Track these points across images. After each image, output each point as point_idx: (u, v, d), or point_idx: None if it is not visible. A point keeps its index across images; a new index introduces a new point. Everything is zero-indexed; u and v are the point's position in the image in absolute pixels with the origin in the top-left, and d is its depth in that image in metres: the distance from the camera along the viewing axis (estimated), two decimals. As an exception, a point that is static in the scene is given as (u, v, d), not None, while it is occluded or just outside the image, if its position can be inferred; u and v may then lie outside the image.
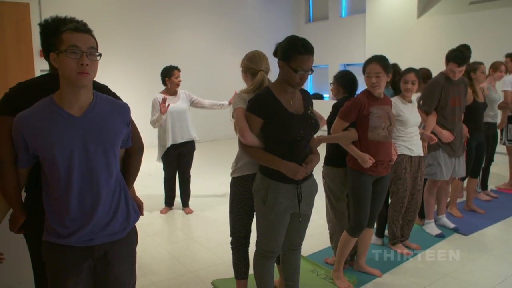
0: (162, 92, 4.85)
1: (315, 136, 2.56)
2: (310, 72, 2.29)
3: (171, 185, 5.07)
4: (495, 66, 5.28)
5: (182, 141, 4.82)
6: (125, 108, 1.85)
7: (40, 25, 1.97)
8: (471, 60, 4.58)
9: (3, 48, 3.76)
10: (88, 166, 1.68)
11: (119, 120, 1.79)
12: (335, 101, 3.42)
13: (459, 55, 3.86)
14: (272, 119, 2.29)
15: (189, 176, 5.08)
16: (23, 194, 1.89)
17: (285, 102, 2.34)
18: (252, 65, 2.63)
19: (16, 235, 1.91)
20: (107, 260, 1.76)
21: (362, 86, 3.27)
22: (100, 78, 1.80)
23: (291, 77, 2.28)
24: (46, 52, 1.92)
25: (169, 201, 5.13)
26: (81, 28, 1.68)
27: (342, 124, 3.03)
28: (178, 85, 4.82)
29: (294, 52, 2.24)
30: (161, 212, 5.03)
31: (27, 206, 1.87)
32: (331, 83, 3.49)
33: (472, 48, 4.61)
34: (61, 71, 1.64)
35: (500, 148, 5.82)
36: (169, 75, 4.80)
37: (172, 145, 4.78)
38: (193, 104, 5.03)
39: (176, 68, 4.81)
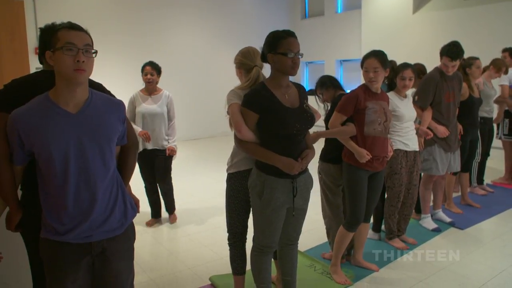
0: (141, 91, 4.36)
1: (310, 131, 2.57)
2: (300, 56, 2.32)
3: (152, 195, 4.54)
4: (497, 66, 5.23)
5: (153, 148, 4.28)
6: (120, 105, 1.85)
7: (41, 29, 1.98)
8: (466, 56, 4.60)
9: (-2, 46, 3.75)
10: (84, 162, 1.68)
11: (115, 117, 1.80)
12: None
13: (452, 49, 3.87)
14: (268, 113, 2.30)
15: (169, 185, 4.55)
16: (19, 192, 1.89)
17: (281, 96, 2.35)
18: (247, 60, 2.63)
19: (13, 233, 1.91)
20: (106, 256, 1.76)
21: (352, 82, 3.29)
22: (95, 76, 1.80)
23: (283, 64, 2.29)
24: (41, 52, 1.91)
25: (154, 213, 4.61)
26: (77, 26, 1.69)
27: (340, 118, 3.04)
28: (149, 83, 4.23)
29: (277, 39, 2.30)
30: (147, 224, 4.51)
31: (23, 204, 1.87)
32: (321, 94, 3.49)
33: (468, 43, 4.63)
34: (57, 69, 1.64)
35: (496, 142, 5.85)
36: (141, 71, 4.27)
37: (144, 150, 4.29)
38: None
39: (148, 64, 4.24)
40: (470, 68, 4.59)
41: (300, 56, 2.32)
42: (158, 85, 4.37)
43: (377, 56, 2.99)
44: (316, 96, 3.53)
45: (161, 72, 4.30)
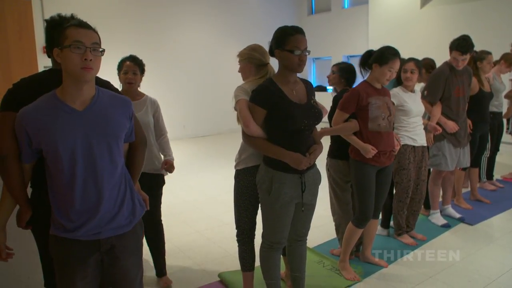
0: None
1: (318, 127, 2.57)
2: (307, 53, 2.31)
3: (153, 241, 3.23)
4: (509, 61, 5.16)
5: (149, 172, 3.01)
6: (127, 102, 1.86)
7: (47, 21, 1.98)
8: (478, 49, 4.56)
9: (6, 45, 3.76)
10: (91, 159, 1.68)
11: (122, 114, 1.80)
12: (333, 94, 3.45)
13: (462, 43, 3.83)
14: (276, 109, 2.30)
15: (159, 221, 3.25)
16: (29, 190, 1.91)
17: (288, 92, 2.35)
18: (259, 56, 2.61)
19: (24, 230, 1.92)
20: (114, 253, 1.77)
21: (359, 78, 3.28)
22: (101, 73, 1.81)
23: (290, 61, 2.29)
24: (49, 48, 1.92)
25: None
26: (85, 24, 1.69)
27: (342, 116, 3.04)
28: (129, 84, 3.04)
29: (285, 35, 2.30)
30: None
31: (33, 201, 1.89)
32: (333, 71, 3.44)
33: (476, 37, 4.57)
34: (65, 66, 1.65)
35: (506, 137, 5.80)
36: (119, 69, 3.12)
37: None
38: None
39: (129, 59, 3.09)
40: (481, 62, 4.55)
41: (307, 53, 2.31)
42: (141, 89, 3.24)
43: (400, 58, 3.01)
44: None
45: (144, 71, 3.18)
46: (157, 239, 3.23)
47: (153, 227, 3.19)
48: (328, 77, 3.49)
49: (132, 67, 3.05)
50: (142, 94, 3.18)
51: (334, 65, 3.48)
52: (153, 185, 3.08)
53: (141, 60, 3.14)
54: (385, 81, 3.01)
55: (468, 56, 3.88)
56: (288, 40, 2.28)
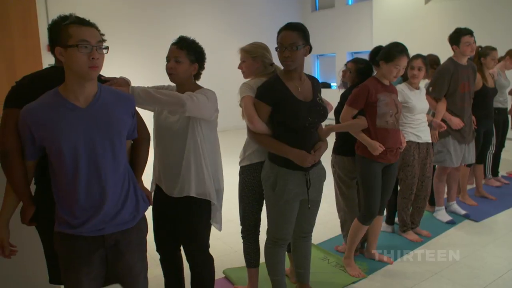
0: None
1: (323, 124, 2.56)
2: (295, 48, 2.23)
3: (170, 271, 2.67)
4: None
5: (174, 196, 2.30)
6: (129, 99, 1.86)
7: (49, 24, 1.99)
8: (483, 44, 4.53)
9: (10, 43, 3.79)
10: (94, 156, 1.69)
11: (124, 111, 1.80)
12: (341, 91, 3.40)
13: (463, 28, 3.86)
14: (281, 106, 2.30)
15: (204, 256, 2.50)
16: (33, 187, 1.91)
17: (294, 89, 2.34)
18: (270, 56, 2.64)
19: (29, 227, 1.93)
20: (119, 249, 1.77)
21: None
22: (104, 71, 1.81)
23: (279, 57, 2.31)
24: (53, 46, 1.93)
25: None
26: (86, 22, 1.68)
27: (351, 112, 3.02)
28: (170, 75, 2.32)
29: (278, 33, 2.31)
30: None
31: (37, 198, 1.89)
32: (349, 70, 3.30)
33: (481, 32, 4.57)
34: (70, 65, 1.63)
35: (511, 133, 5.75)
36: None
37: (158, 188, 2.41)
38: None
39: (174, 42, 2.31)
40: (485, 58, 4.53)
41: (295, 48, 2.23)
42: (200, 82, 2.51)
43: (408, 56, 2.98)
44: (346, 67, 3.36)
45: (202, 59, 2.37)
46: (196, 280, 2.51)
47: (193, 262, 2.48)
48: (343, 72, 3.36)
49: (175, 53, 2.25)
50: (194, 88, 2.35)
51: (351, 62, 3.34)
52: (195, 207, 2.38)
53: (191, 43, 2.29)
54: (392, 78, 2.99)
55: (474, 39, 3.87)
56: (277, 38, 2.30)
